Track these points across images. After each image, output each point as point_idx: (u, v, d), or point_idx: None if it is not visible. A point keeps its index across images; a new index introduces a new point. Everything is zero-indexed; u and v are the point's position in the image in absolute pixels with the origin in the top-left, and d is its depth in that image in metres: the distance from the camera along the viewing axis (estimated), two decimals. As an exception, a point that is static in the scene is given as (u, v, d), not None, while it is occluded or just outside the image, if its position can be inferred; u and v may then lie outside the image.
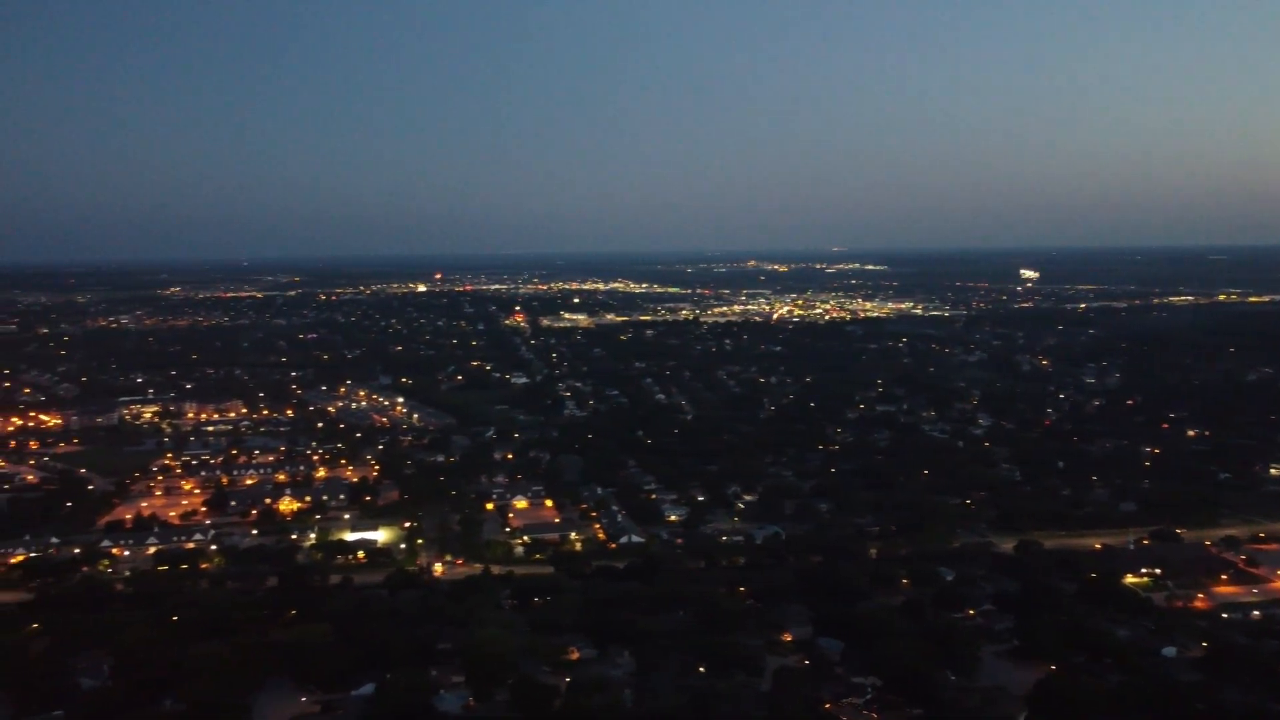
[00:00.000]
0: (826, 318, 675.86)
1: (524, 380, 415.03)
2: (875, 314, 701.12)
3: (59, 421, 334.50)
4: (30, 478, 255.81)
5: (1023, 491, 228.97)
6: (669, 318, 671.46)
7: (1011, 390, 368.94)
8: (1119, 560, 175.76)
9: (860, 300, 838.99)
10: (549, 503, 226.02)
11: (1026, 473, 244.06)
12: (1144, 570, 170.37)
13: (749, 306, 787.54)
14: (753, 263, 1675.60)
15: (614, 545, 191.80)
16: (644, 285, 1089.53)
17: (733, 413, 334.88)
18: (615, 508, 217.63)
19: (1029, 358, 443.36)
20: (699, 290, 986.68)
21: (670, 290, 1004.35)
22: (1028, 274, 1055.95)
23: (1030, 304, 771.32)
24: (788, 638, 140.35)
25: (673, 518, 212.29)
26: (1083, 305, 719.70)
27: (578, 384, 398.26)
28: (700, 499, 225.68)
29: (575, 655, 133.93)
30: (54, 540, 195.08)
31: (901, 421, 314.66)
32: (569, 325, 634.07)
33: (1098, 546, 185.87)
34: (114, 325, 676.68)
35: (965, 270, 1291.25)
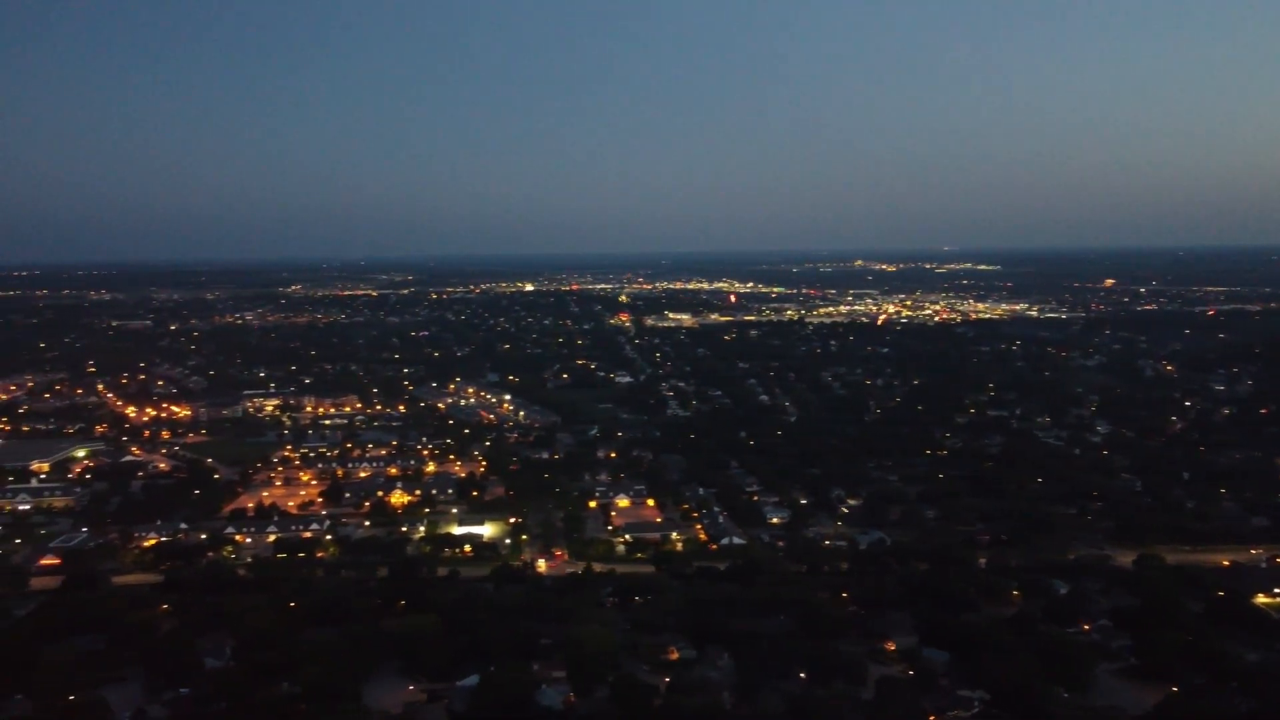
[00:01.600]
0: (936, 319, 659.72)
1: (628, 379, 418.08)
2: (987, 315, 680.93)
3: (188, 413, 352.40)
4: (162, 465, 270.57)
5: (1144, 503, 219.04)
6: (773, 318, 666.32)
7: (1133, 396, 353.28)
8: (1249, 578, 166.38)
9: (971, 301, 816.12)
10: (651, 502, 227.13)
11: (1148, 483, 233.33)
12: (1276, 590, 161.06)
13: (855, 307, 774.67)
14: (859, 262, 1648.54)
15: (715, 546, 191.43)
16: (749, 285, 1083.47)
17: (837, 415, 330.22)
18: (717, 509, 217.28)
19: (1152, 363, 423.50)
20: (804, 290, 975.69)
21: (775, 290, 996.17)
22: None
23: (1154, 306, 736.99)
24: (891, 647, 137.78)
25: (774, 520, 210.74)
26: (1212, 308, 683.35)
27: (681, 384, 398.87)
28: (803, 502, 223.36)
29: (675, 655, 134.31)
30: (183, 526, 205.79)
31: (1014, 427, 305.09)
32: (673, 325, 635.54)
33: (1225, 563, 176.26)
34: (239, 321, 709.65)
35: (1085, 270, 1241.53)
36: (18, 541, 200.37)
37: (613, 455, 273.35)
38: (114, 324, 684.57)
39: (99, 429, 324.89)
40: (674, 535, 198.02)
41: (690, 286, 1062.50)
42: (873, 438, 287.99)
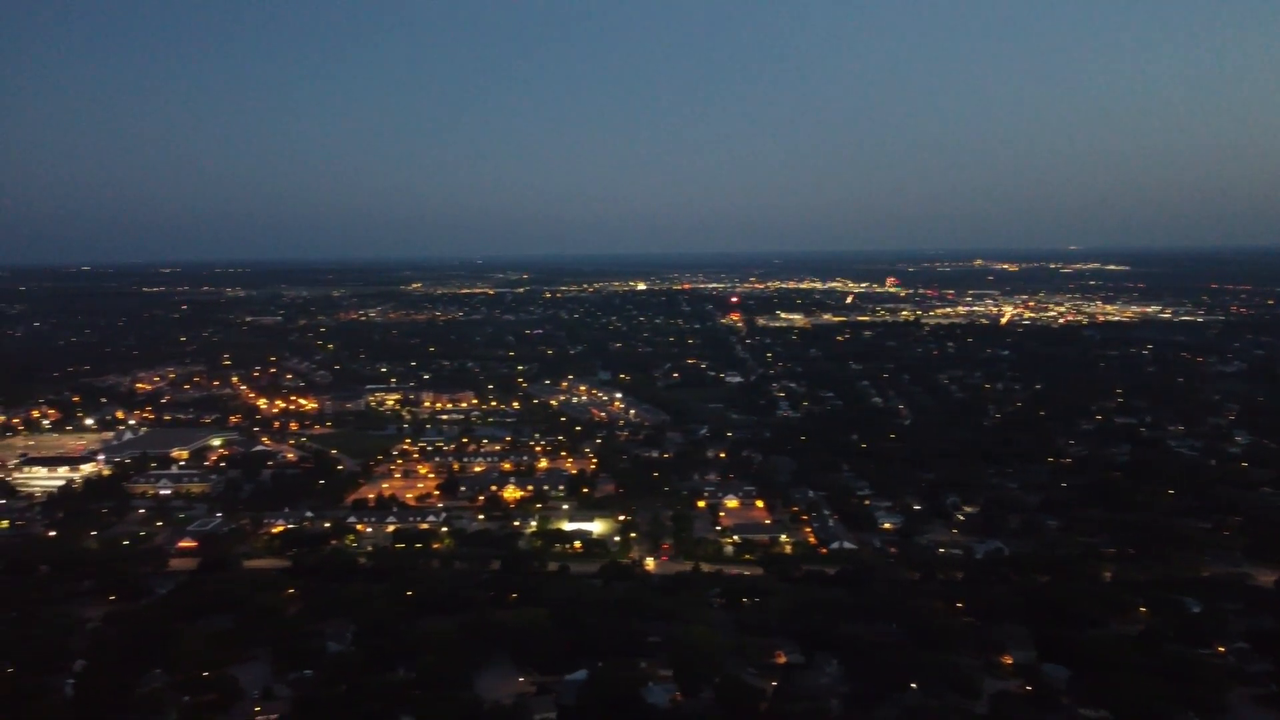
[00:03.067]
0: (1060, 321, 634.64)
1: (738, 379, 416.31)
2: (1116, 318, 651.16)
3: (315, 405, 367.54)
4: (290, 456, 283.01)
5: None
6: (888, 319, 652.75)
7: (1276, 405, 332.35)
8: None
9: (1099, 303, 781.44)
10: (760, 503, 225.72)
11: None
12: None
13: (974, 308, 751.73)
14: (979, 262, 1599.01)
15: (825, 550, 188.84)
16: (863, 285, 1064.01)
17: (954, 419, 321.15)
18: (827, 512, 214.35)
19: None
20: (921, 290, 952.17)
21: (891, 290, 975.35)
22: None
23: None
24: (1008, 660, 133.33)
25: (887, 525, 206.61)
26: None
27: (792, 384, 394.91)
28: (916, 508, 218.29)
29: (782, 659, 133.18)
30: (308, 514, 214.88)
31: (1144, 435, 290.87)
32: (785, 325, 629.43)
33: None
34: (363, 318, 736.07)
35: (1224, 271, 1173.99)
36: (159, 524, 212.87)
37: (722, 455, 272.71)
38: (248, 319, 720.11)
39: (233, 419, 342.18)
40: (783, 537, 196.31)
41: (803, 286, 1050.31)
42: (991, 443, 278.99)
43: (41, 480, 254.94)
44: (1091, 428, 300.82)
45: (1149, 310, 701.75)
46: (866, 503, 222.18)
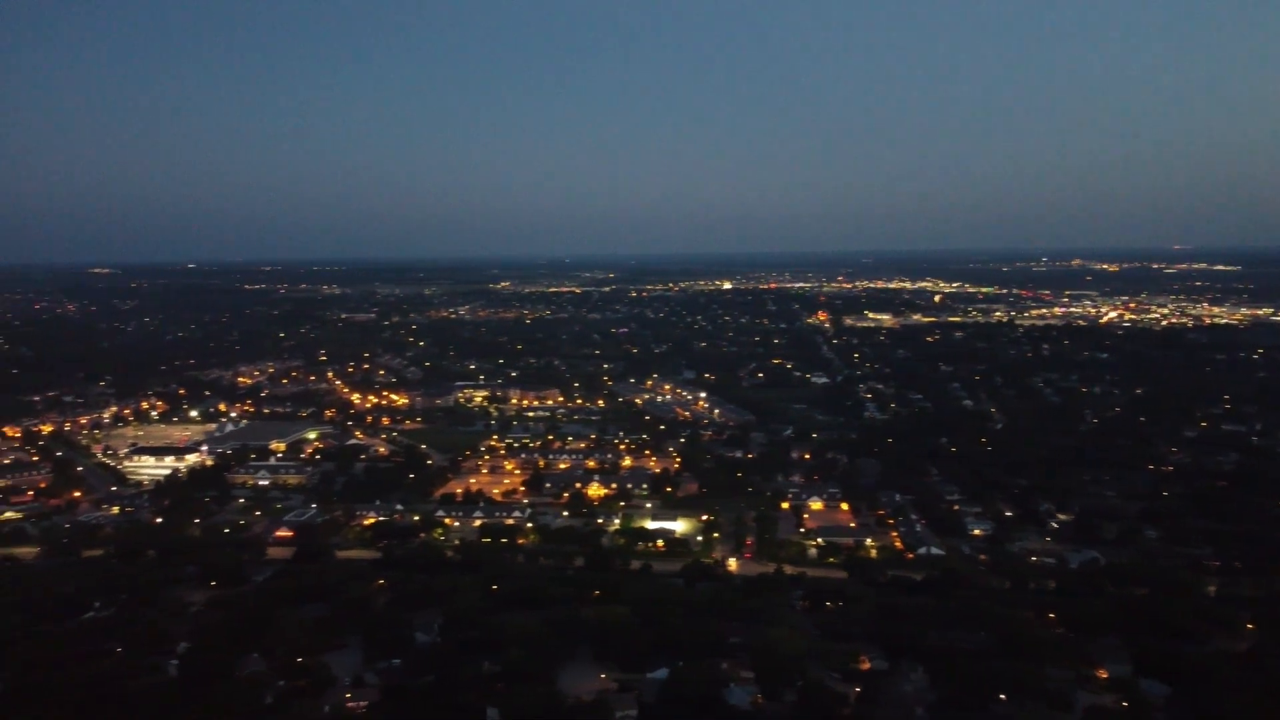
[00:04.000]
0: (1163, 323, 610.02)
1: (824, 380, 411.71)
2: (1224, 321, 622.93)
3: (406, 401, 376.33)
4: (382, 450, 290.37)
5: None
6: (980, 319, 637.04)
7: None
8: None
9: (1205, 305, 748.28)
10: (845, 506, 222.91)
11: None
12: None
13: (1071, 309, 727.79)
14: (1078, 261, 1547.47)
15: (911, 555, 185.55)
16: (954, 284, 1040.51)
17: (1048, 423, 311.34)
18: (914, 516, 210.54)
19: None
20: (1015, 291, 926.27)
21: (983, 290, 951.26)
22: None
23: None
24: (1103, 674, 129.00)
25: (976, 532, 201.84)
26: None
27: (879, 386, 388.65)
28: (1008, 514, 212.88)
29: (866, 665, 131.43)
30: (399, 507, 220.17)
31: (1253, 444, 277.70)
32: (872, 325, 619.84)
33: None
34: (453, 316, 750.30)
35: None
36: (258, 513, 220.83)
37: (807, 456, 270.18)
38: (343, 317, 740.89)
39: (328, 414, 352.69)
40: (868, 541, 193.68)
41: (892, 285, 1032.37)
42: (1088, 449, 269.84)
43: (150, 469, 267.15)
44: (1195, 435, 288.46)
45: (1260, 313, 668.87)
46: (955, 508, 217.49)
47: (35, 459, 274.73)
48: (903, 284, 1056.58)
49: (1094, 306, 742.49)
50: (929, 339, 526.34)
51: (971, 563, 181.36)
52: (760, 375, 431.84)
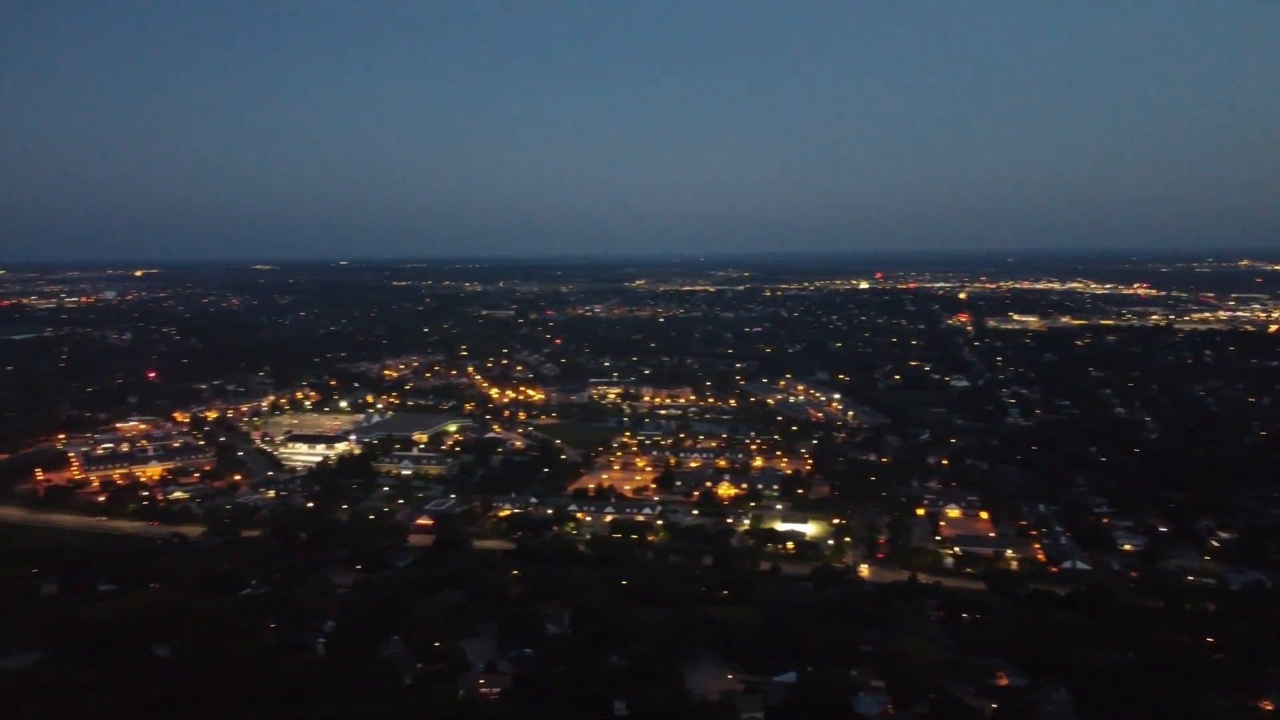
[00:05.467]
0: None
1: (964, 384, 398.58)
2: None
3: (541, 396, 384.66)
4: (518, 443, 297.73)
5: None
6: (1135, 322, 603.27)
7: None
8: None
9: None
10: (984, 515, 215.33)
11: None
12: None
13: (1238, 313, 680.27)
14: (1246, 262, 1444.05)
15: (1055, 569, 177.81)
16: (1107, 285, 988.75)
17: (1209, 435, 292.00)
18: (1059, 528, 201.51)
19: None
20: (1174, 292, 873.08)
21: (1138, 292, 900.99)
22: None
23: None
24: (1267, 706, 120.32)
25: (1127, 547, 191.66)
26: None
27: (1023, 390, 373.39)
28: (1162, 530, 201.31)
29: (1004, 681, 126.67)
30: (533, 500, 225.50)
31: None
32: (1017, 327, 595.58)
33: None
34: (588, 314, 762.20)
35: None
36: (400, 502, 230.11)
37: (944, 462, 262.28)
38: (483, 313, 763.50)
39: (467, 407, 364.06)
40: (1008, 553, 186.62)
41: (1039, 286, 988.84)
42: (1253, 463, 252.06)
43: (302, 456, 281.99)
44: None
45: None
46: (1105, 521, 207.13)
47: (201, 443, 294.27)
48: (1050, 284, 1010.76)
49: (1263, 310, 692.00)
50: (1078, 342, 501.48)
51: (1121, 580, 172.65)
52: (897, 377, 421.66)
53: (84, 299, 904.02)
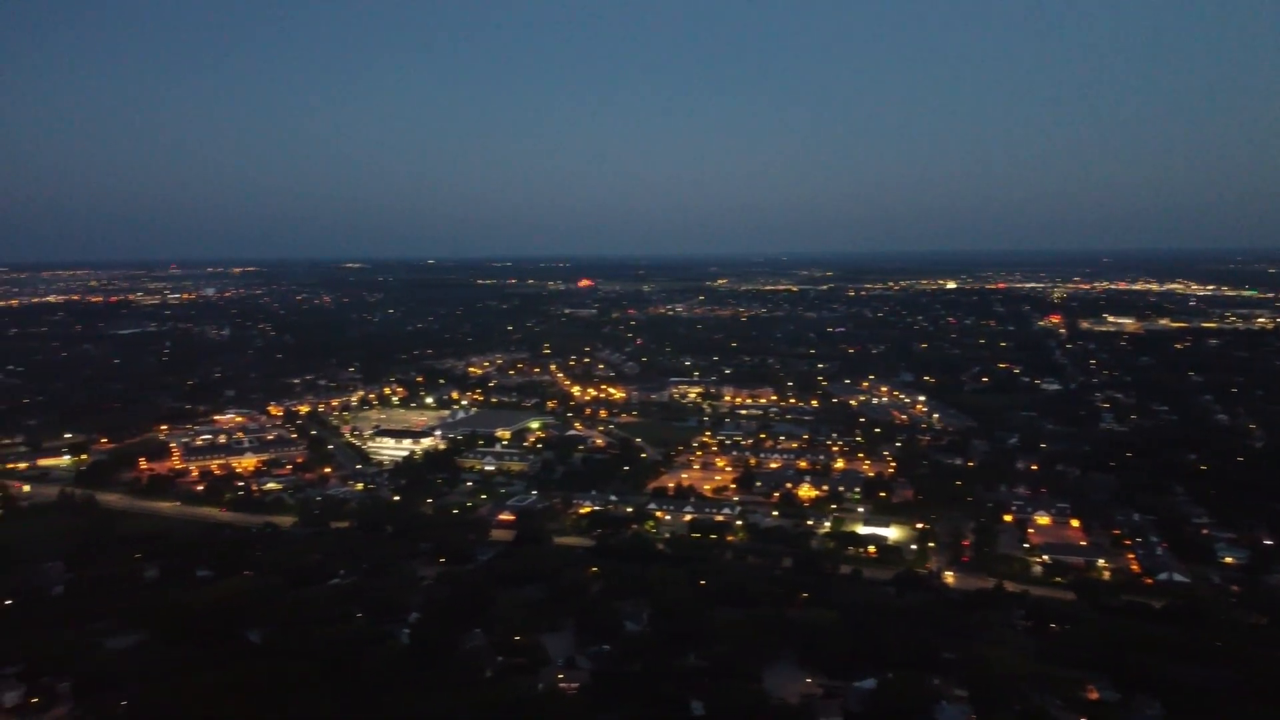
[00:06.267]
0: None
1: (1055, 387, 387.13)
2: None
3: (622, 395, 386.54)
4: (599, 441, 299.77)
5: None
6: (1239, 325, 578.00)
7: None
8: None
9: None
10: (1075, 523, 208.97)
11: None
12: None
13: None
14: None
15: (1150, 581, 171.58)
16: (1209, 287, 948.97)
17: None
18: (1155, 538, 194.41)
19: None
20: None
21: (1244, 294, 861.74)
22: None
23: None
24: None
25: (1228, 560, 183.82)
26: None
27: (1118, 395, 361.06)
28: (1267, 542, 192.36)
29: (1094, 695, 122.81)
30: (613, 498, 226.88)
31: None
32: (1112, 329, 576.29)
33: None
34: (670, 313, 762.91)
35: None
36: (483, 497, 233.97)
37: (1033, 468, 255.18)
38: (566, 312, 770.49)
39: (550, 405, 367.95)
40: (1100, 562, 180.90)
41: (1135, 287, 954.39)
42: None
43: (390, 450, 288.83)
44: None
45: None
46: (1204, 532, 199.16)
47: (294, 436, 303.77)
48: (1148, 285, 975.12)
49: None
50: (1178, 346, 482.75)
51: (1221, 594, 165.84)
52: (984, 380, 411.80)
53: (186, 296, 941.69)
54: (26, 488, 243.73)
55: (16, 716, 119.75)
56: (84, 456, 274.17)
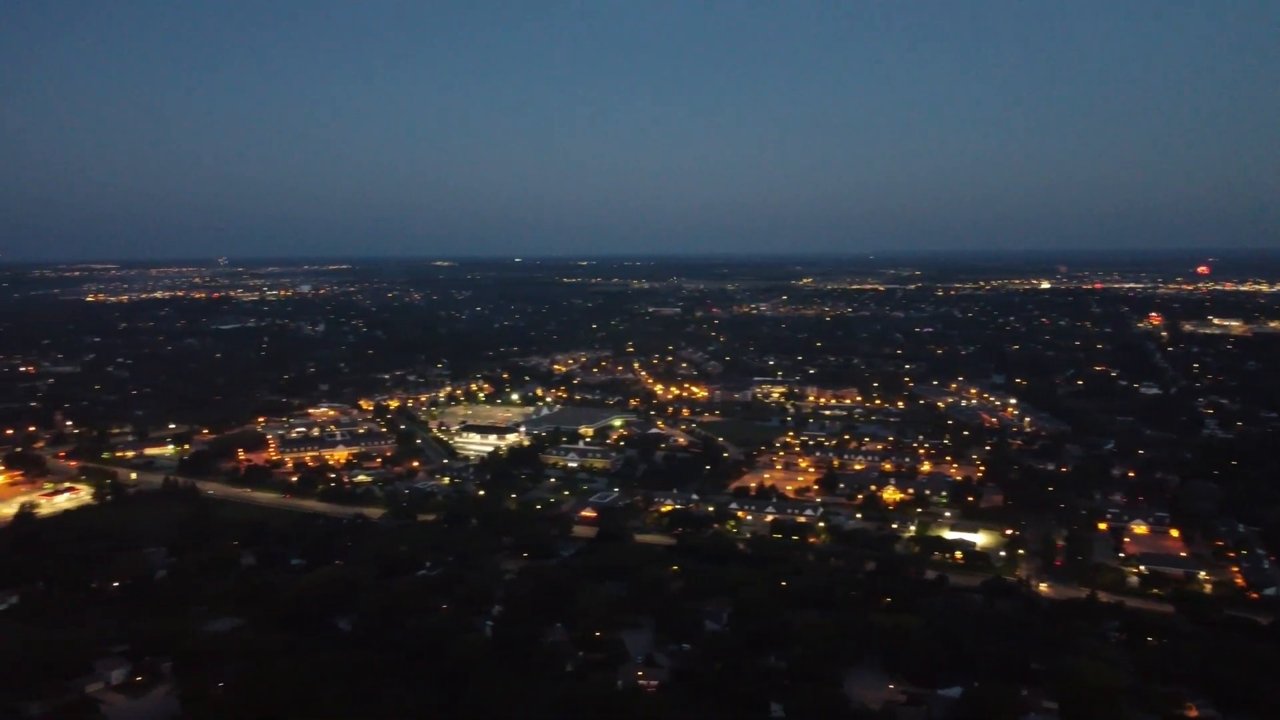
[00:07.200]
0: None
1: (1155, 391, 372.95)
2: None
3: (705, 393, 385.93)
4: (681, 440, 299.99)
5: None
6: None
7: None
8: None
9: None
10: (1174, 533, 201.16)
11: None
12: None
13: None
14: None
15: (1255, 595, 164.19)
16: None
17: None
18: (1261, 551, 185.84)
19: None
20: None
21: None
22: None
23: None
24: None
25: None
26: None
27: (1222, 400, 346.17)
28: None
29: (1193, 713, 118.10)
30: (694, 497, 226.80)
31: None
32: (1217, 331, 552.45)
33: None
34: (754, 312, 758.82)
35: None
36: (566, 493, 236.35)
37: (1130, 475, 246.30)
38: (649, 310, 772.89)
39: (632, 402, 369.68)
40: (1201, 575, 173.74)
41: (1243, 288, 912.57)
42: None
43: (475, 445, 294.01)
44: None
45: None
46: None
47: (384, 430, 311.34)
48: (1257, 286, 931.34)
49: None
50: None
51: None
52: (1079, 383, 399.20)
53: (283, 292, 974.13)
54: (134, 475, 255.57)
55: (122, 693, 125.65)
56: (186, 446, 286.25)
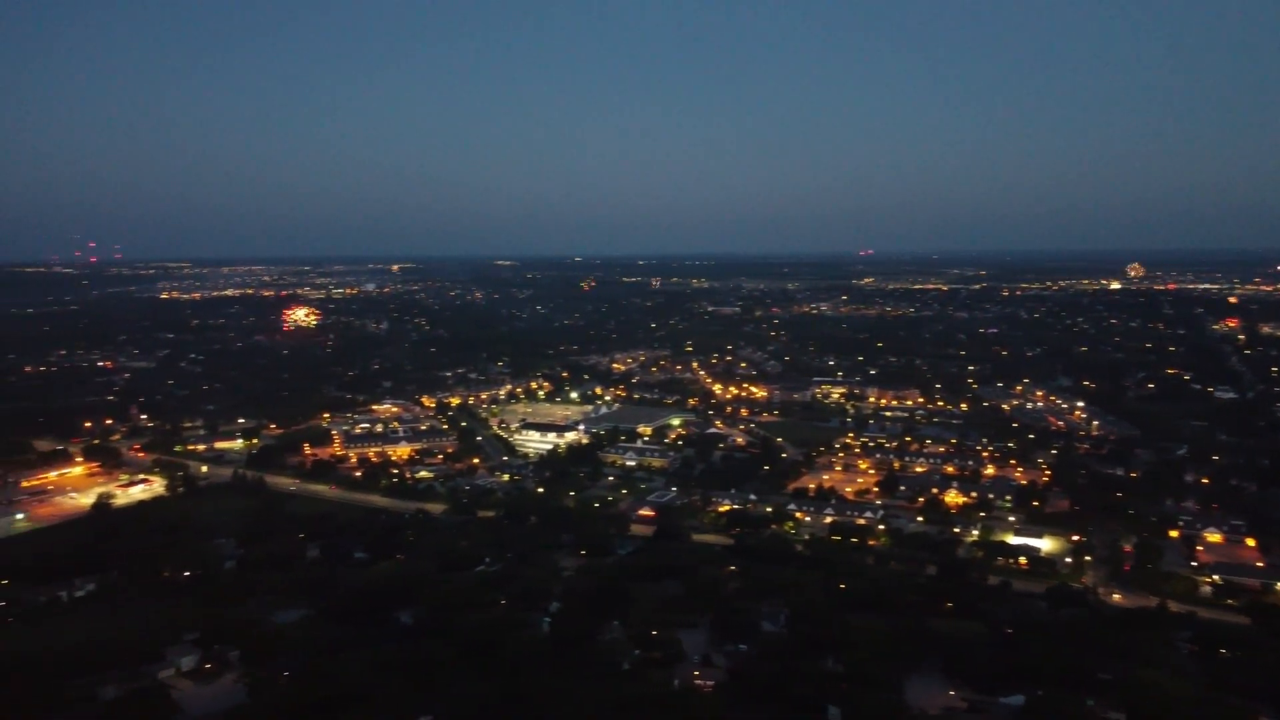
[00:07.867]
0: None
1: (1230, 395, 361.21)
2: None
3: (764, 393, 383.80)
4: (739, 440, 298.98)
5: None
6: None
7: None
8: None
9: None
10: (1251, 542, 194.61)
11: None
12: None
13: None
14: None
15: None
16: None
17: None
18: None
19: None
20: None
21: None
22: None
23: None
24: None
25: None
26: None
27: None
28: None
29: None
30: (752, 497, 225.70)
31: None
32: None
33: None
34: (814, 311, 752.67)
35: None
36: (624, 492, 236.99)
37: (1203, 481, 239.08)
38: (709, 309, 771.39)
39: (691, 402, 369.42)
40: (1278, 586, 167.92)
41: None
42: None
43: (535, 443, 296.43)
44: None
45: None
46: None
47: (445, 427, 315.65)
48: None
49: None
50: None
51: None
52: (1150, 386, 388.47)
53: (348, 290, 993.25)
54: (205, 468, 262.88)
55: (192, 679, 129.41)
56: (255, 441, 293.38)
